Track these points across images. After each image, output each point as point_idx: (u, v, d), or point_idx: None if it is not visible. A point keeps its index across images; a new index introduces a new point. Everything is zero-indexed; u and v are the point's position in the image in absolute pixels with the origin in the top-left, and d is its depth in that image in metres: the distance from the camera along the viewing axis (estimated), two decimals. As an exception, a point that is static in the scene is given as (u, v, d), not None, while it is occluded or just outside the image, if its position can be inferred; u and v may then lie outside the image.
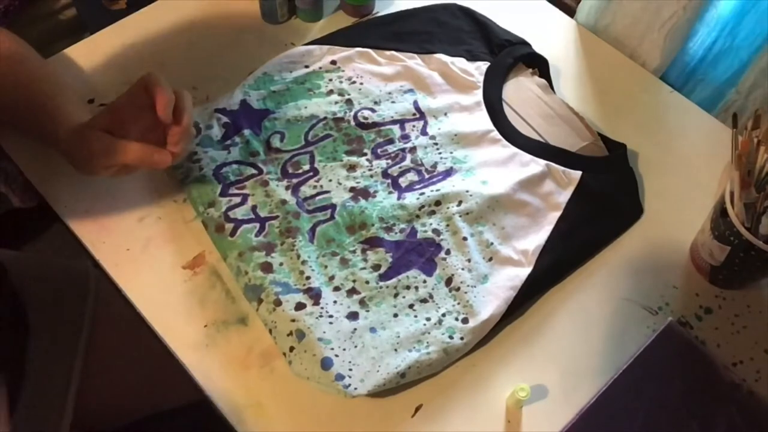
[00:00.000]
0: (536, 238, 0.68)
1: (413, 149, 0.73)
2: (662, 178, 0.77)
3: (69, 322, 0.71)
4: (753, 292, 0.70)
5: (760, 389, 0.63)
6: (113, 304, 0.75)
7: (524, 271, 0.66)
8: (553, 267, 0.67)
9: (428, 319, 0.63)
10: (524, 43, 0.83)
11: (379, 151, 0.73)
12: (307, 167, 0.71)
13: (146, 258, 0.66)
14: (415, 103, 0.77)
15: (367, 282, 0.64)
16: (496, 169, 0.72)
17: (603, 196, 0.72)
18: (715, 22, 0.83)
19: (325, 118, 0.75)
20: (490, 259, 0.67)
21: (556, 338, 0.65)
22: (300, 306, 0.62)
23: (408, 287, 0.64)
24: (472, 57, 0.81)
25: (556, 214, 0.70)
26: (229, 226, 0.66)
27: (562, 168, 0.73)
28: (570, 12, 0.94)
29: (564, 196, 0.71)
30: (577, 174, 0.72)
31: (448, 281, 0.65)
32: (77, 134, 0.63)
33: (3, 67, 0.66)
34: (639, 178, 0.76)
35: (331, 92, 0.77)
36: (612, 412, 0.60)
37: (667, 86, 0.86)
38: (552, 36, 0.89)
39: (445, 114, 0.77)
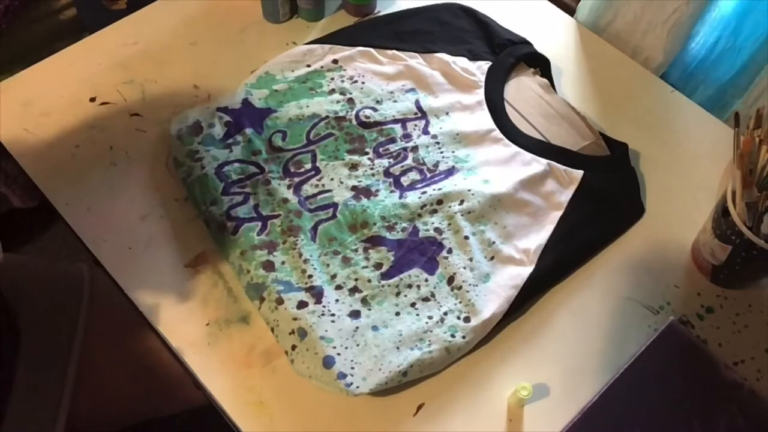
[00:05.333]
0: (538, 237, 0.68)
1: (415, 148, 0.73)
2: (663, 177, 0.77)
3: (62, 326, 0.71)
4: (754, 291, 0.70)
5: (761, 388, 0.63)
6: (108, 307, 0.75)
7: (526, 270, 0.66)
8: (555, 266, 0.67)
9: (430, 318, 0.63)
10: (526, 43, 0.83)
11: (380, 150, 0.73)
12: (308, 166, 0.71)
13: (148, 257, 0.66)
14: (417, 102, 0.77)
15: (369, 281, 0.64)
16: (497, 168, 0.73)
17: (605, 195, 0.72)
18: (717, 22, 0.83)
19: (326, 117, 0.75)
20: (492, 258, 0.67)
21: (557, 337, 0.65)
22: (302, 304, 0.62)
23: (410, 286, 0.64)
24: (473, 56, 0.81)
25: (557, 214, 0.70)
26: (230, 224, 0.66)
27: (564, 167, 0.73)
28: (570, 11, 0.94)
29: (566, 196, 0.71)
30: (578, 173, 0.72)
31: (450, 280, 0.65)
32: None
33: None
34: (640, 177, 0.76)
35: (332, 91, 0.77)
36: (613, 411, 0.60)
37: (669, 86, 0.86)
38: (553, 35, 0.89)
39: (447, 113, 0.77)
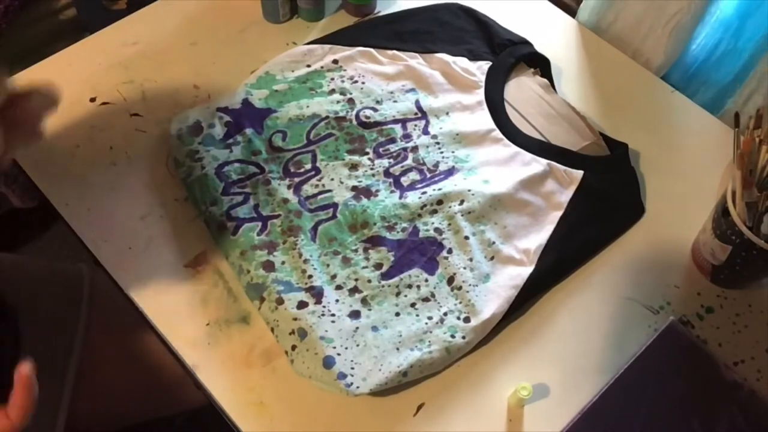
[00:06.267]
0: (538, 238, 0.68)
1: (415, 148, 0.73)
2: (664, 177, 0.77)
3: (62, 326, 0.71)
4: (754, 291, 0.70)
5: (761, 388, 0.63)
6: (108, 307, 0.75)
7: (526, 270, 0.66)
8: (555, 266, 0.67)
9: (430, 318, 0.63)
10: (526, 43, 0.83)
11: (380, 150, 0.73)
12: (309, 166, 0.71)
13: (148, 257, 0.66)
14: (417, 102, 0.77)
15: (369, 281, 0.64)
16: (497, 169, 0.73)
17: (605, 195, 0.72)
18: (718, 24, 0.82)
19: (327, 117, 0.75)
20: (492, 258, 0.67)
21: (557, 337, 0.65)
22: (302, 305, 0.62)
23: (410, 286, 0.64)
24: (473, 56, 0.81)
25: (557, 214, 0.70)
26: (230, 224, 0.66)
27: (564, 167, 0.73)
28: (571, 12, 0.94)
29: (566, 196, 0.71)
30: (578, 173, 0.72)
31: (450, 280, 0.65)
32: None
33: None
34: (640, 177, 0.76)
35: (333, 91, 0.77)
36: (613, 411, 0.60)
37: (669, 86, 0.86)
38: (553, 36, 0.89)
39: (447, 113, 0.77)
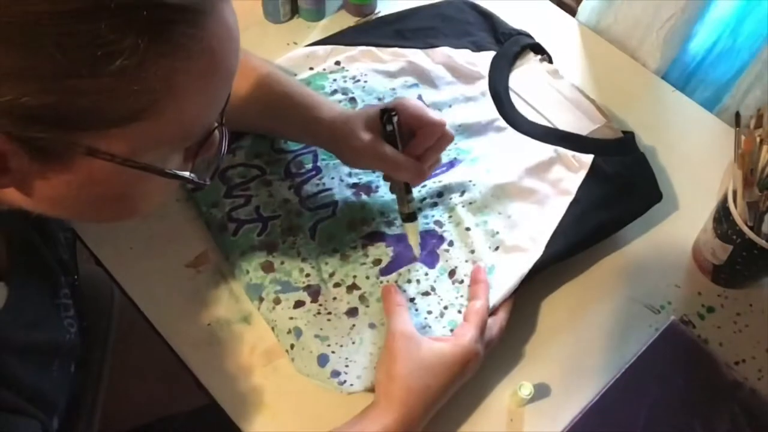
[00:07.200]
0: (546, 225, 0.67)
1: (416, 143, 0.73)
2: (665, 177, 0.77)
3: (100, 327, 0.72)
4: (755, 290, 0.70)
5: (762, 388, 0.63)
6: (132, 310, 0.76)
7: (532, 259, 0.65)
8: (564, 252, 0.66)
9: (429, 313, 0.62)
10: (530, 36, 0.83)
11: (382, 147, 0.73)
12: (309, 166, 0.71)
13: (149, 257, 0.66)
14: (420, 97, 0.77)
15: (368, 277, 0.64)
16: (501, 157, 0.72)
17: (617, 177, 0.71)
18: (716, 23, 0.83)
19: (328, 117, 0.75)
20: (497, 249, 0.66)
21: (558, 337, 0.65)
22: (299, 304, 0.62)
23: (409, 281, 0.64)
24: (477, 48, 0.81)
25: (566, 200, 0.69)
26: (231, 225, 0.66)
27: (573, 152, 0.72)
28: (572, 12, 0.94)
29: (575, 181, 0.70)
30: (588, 158, 0.71)
31: (451, 273, 0.65)
32: (344, 118, 0.63)
33: (267, 83, 0.66)
34: (641, 176, 0.76)
35: (335, 92, 0.77)
36: (614, 411, 0.60)
37: (670, 86, 0.86)
38: (554, 35, 0.89)
39: (450, 106, 0.76)
